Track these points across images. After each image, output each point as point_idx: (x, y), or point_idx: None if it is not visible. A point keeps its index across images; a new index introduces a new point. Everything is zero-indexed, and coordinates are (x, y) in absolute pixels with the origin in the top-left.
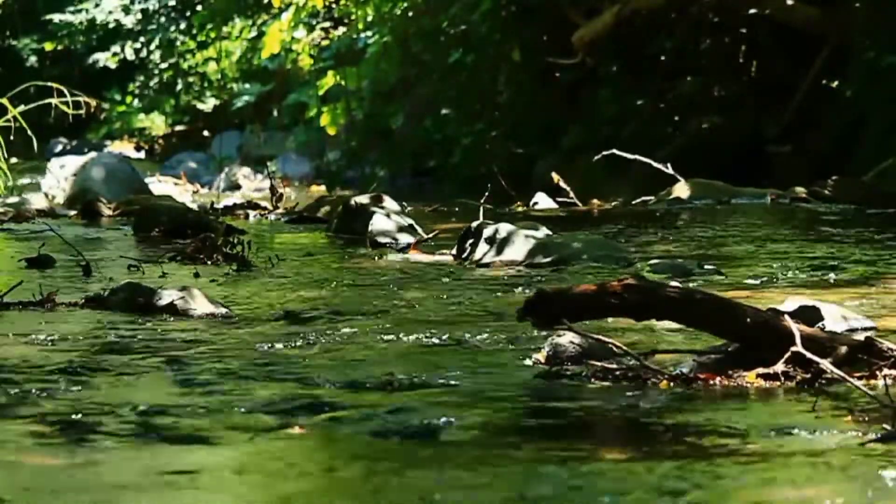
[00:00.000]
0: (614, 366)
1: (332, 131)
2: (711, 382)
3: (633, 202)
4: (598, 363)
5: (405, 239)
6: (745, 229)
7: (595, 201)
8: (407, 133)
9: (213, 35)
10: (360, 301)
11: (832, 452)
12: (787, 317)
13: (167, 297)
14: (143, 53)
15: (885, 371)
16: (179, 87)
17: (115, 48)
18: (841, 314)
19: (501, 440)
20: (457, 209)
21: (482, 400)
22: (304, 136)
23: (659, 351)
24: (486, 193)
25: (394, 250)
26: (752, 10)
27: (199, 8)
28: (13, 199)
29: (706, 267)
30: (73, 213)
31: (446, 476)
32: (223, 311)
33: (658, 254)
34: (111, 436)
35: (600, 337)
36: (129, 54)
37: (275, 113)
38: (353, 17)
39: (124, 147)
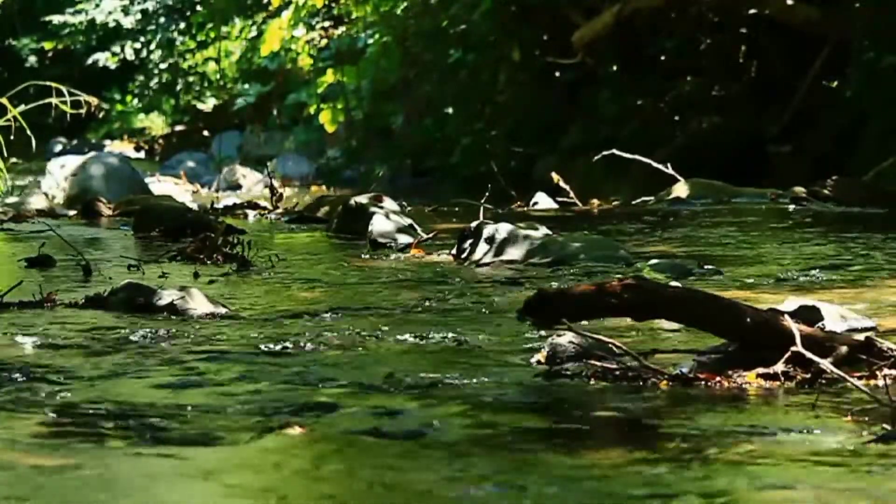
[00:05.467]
0: (614, 366)
1: (331, 129)
2: (711, 382)
3: (633, 202)
4: (598, 363)
5: (405, 239)
6: (745, 229)
7: (595, 201)
8: (407, 132)
9: (212, 35)
10: (360, 301)
11: (832, 452)
12: (787, 317)
13: (167, 297)
14: (143, 53)
15: (885, 371)
16: (179, 87)
17: (115, 48)
18: (841, 314)
19: (501, 440)
20: (457, 209)
21: (482, 400)
22: (304, 135)
23: (659, 351)
24: (486, 193)
25: (394, 250)
26: (752, 10)
27: (198, 8)
28: (13, 199)
29: (706, 267)
30: (73, 213)
31: (446, 476)
32: (223, 310)
33: (658, 254)
34: (111, 436)
35: (600, 337)
36: (129, 54)
37: (275, 113)
38: (352, 16)
39: (124, 147)
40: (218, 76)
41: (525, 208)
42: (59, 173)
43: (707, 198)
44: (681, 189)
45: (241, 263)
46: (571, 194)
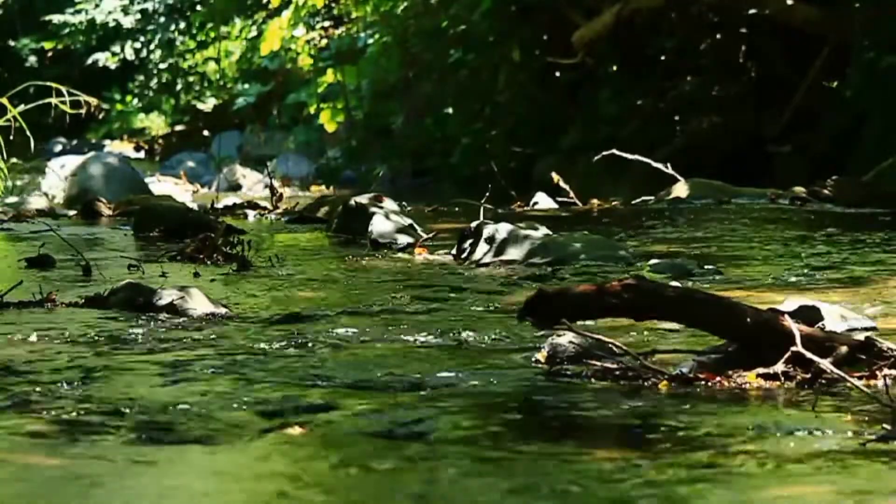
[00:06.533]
0: (614, 366)
1: (331, 128)
2: (711, 382)
3: (633, 202)
4: (598, 363)
5: (405, 239)
6: (745, 229)
7: (595, 201)
8: (407, 132)
9: (212, 35)
10: (360, 301)
11: (832, 452)
12: (787, 317)
13: (167, 296)
14: (143, 53)
15: (885, 371)
16: (179, 86)
17: (115, 48)
18: (841, 314)
19: (501, 440)
20: (457, 209)
21: (482, 400)
22: (304, 135)
23: (659, 351)
24: (486, 193)
25: (394, 250)
26: (752, 10)
27: (198, 8)
28: (13, 199)
29: (706, 267)
30: (73, 213)
31: (445, 476)
32: (223, 311)
33: (658, 254)
34: (110, 436)
35: (600, 337)
36: (129, 54)
37: (275, 113)
38: (352, 15)
39: (124, 147)
40: (218, 76)
41: (525, 208)
42: (60, 173)
43: (707, 198)
44: (681, 189)
45: (241, 263)
46: (571, 194)
